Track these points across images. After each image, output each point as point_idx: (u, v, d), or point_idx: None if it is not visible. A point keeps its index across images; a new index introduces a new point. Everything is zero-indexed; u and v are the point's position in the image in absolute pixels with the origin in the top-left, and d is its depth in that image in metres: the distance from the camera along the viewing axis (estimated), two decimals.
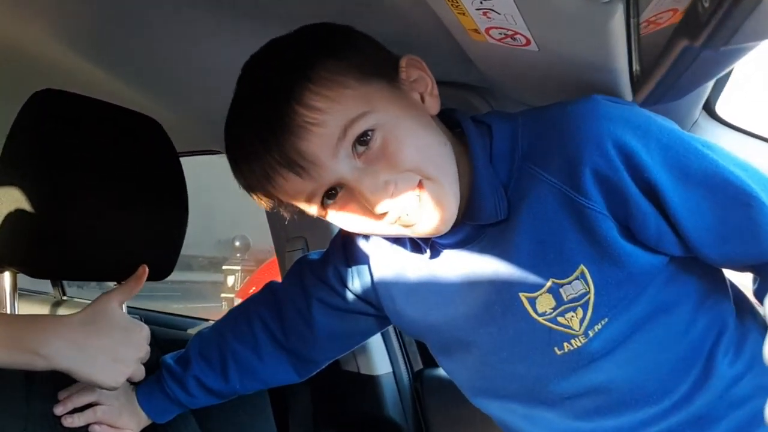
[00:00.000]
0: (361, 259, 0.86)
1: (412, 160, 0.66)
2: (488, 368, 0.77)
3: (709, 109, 0.91)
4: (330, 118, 0.64)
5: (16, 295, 0.89)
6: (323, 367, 0.96)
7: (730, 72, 0.83)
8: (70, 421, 0.83)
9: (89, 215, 0.90)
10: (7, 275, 0.90)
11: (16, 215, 0.85)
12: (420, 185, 0.66)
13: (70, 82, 0.93)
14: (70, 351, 0.74)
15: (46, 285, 1.83)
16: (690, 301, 0.72)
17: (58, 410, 0.83)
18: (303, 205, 0.70)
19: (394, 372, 1.24)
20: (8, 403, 0.77)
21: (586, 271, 0.68)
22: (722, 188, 0.64)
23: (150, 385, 0.92)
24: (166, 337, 1.05)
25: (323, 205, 0.69)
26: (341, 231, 0.90)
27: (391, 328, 1.27)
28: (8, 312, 0.90)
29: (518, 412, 0.78)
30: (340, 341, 0.93)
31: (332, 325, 0.89)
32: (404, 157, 0.65)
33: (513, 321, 0.72)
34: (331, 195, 0.68)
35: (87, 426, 0.85)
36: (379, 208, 0.65)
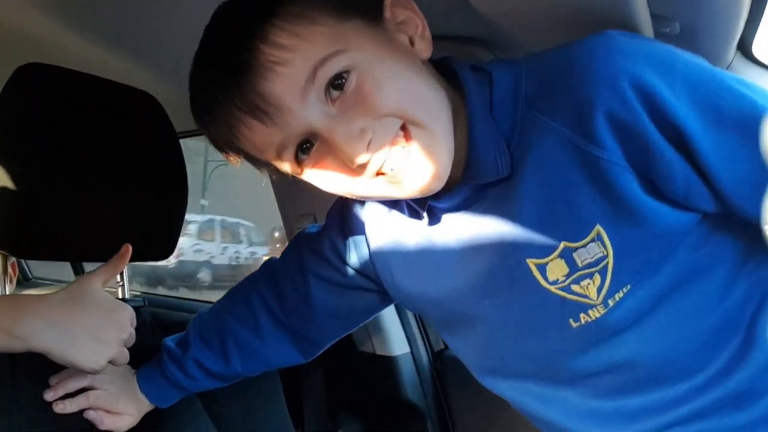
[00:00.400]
0: (358, 229, 0.79)
1: (393, 103, 0.58)
2: (495, 345, 0.70)
3: (744, 49, 0.81)
4: (296, 56, 0.57)
5: (6, 278, 0.86)
6: (328, 346, 0.91)
7: (765, 7, 0.73)
8: (61, 407, 0.79)
9: (81, 195, 0.87)
10: None
11: (2, 195, 0.81)
12: (406, 135, 0.59)
13: (57, 56, 0.89)
14: (48, 331, 0.69)
15: (66, 273, 1.82)
16: (727, 265, 0.63)
17: (48, 396, 0.79)
18: (275, 161, 0.63)
19: (412, 352, 1.18)
20: None
21: (602, 232, 0.60)
22: (762, 132, 0.56)
23: (150, 369, 0.88)
24: (171, 320, 1.01)
25: (298, 161, 0.62)
26: (338, 200, 0.84)
27: None
28: None
29: (532, 392, 0.71)
30: (341, 319, 0.87)
31: (331, 302, 0.84)
32: (382, 100, 0.58)
33: (520, 291, 0.65)
34: (305, 149, 0.61)
35: (81, 412, 0.81)
36: (356, 159, 0.57)
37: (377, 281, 0.81)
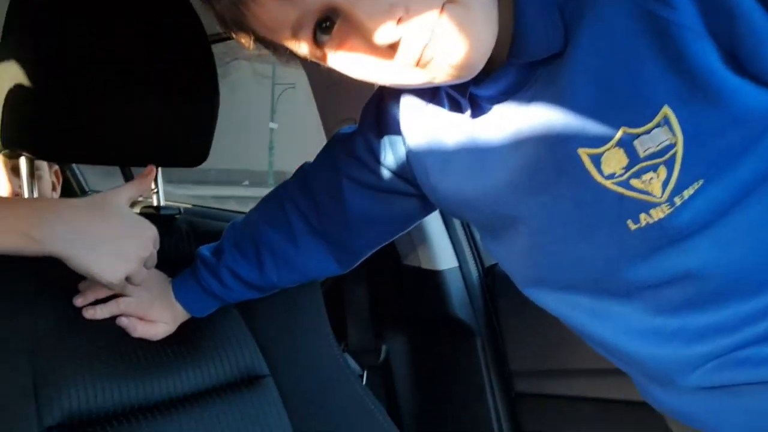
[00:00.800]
0: (394, 127, 0.72)
1: None
2: (541, 252, 0.62)
3: None
4: None
5: (34, 182, 0.84)
6: (367, 256, 0.85)
7: None
8: (91, 313, 0.78)
9: (107, 96, 0.83)
10: (22, 161, 0.84)
11: (20, 94, 0.78)
12: (442, 10, 0.49)
13: None
14: (67, 235, 0.66)
15: None
16: None
17: (78, 301, 0.77)
18: (291, 43, 0.55)
19: (460, 267, 1.11)
20: (13, 297, 0.73)
21: (671, 114, 0.50)
22: None
23: (185, 277, 0.86)
24: (208, 229, 0.98)
25: (317, 43, 0.53)
26: (374, 96, 0.76)
27: (456, 220, 1.13)
28: None
29: (583, 306, 0.63)
30: (378, 226, 0.81)
31: (366, 207, 0.77)
32: None
33: (570, 187, 0.56)
34: (325, 28, 0.52)
35: (113, 319, 0.80)
36: (382, 38, 0.49)
37: (415, 184, 0.73)
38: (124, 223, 0.71)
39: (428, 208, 0.78)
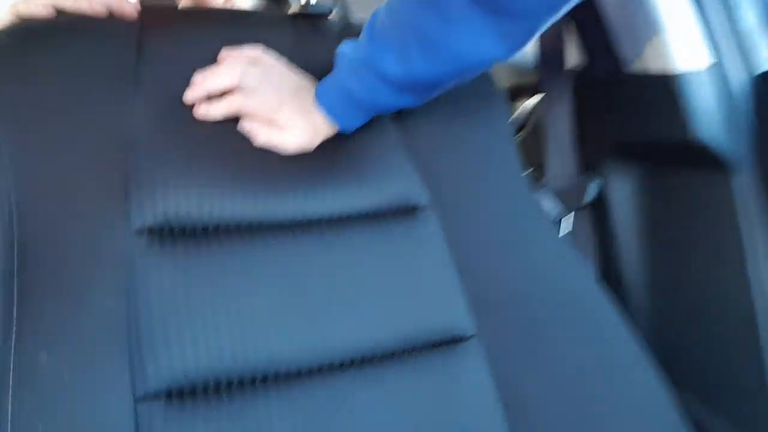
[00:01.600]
0: None
1: None
2: None
3: None
4: None
5: None
6: (541, 28, 0.60)
7: None
8: (204, 111, 0.67)
9: None
10: None
11: None
12: None
13: None
14: None
15: None
16: None
17: (189, 96, 0.67)
18: None
19: (718, 66, 0.75)
20: (108, 72, 0.64)
21: None
22: None
23: (326, 81, 0.71)
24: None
25: None
26: None
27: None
28: None
29: None
30: None
31: None
32: None
33: None
34: None
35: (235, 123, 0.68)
36: None
37: None
38: None
39: None
